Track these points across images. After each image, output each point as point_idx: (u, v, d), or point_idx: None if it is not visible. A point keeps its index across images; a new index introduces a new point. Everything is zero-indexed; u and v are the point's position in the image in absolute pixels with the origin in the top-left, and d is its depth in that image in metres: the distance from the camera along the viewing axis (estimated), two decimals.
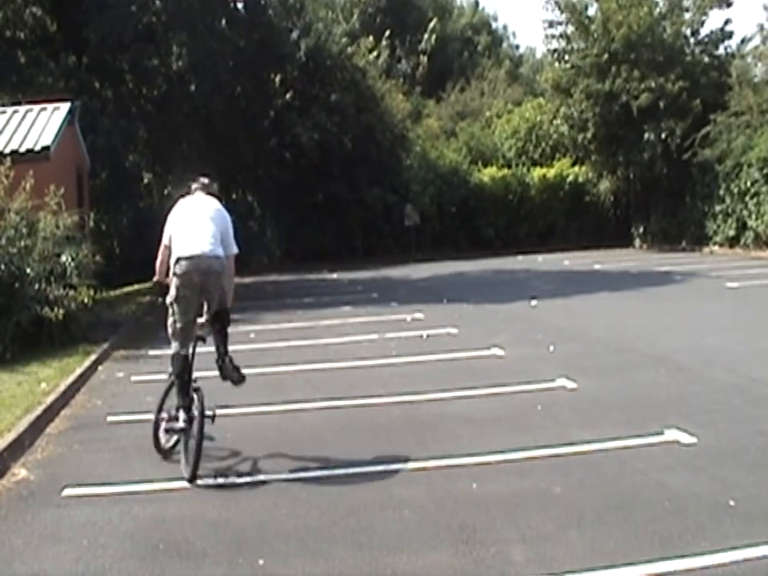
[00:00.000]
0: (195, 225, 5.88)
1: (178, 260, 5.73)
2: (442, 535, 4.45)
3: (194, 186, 6.30)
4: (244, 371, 6.07)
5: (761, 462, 5.31)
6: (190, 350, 5.94)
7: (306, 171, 26.02)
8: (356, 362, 9.50)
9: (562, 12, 26.05)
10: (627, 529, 4.39)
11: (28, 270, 10.72)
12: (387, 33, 35.65)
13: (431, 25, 39.19)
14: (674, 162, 24.44)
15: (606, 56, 24.93)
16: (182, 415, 5.76)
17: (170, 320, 5.89)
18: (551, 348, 9.66)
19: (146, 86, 22.02)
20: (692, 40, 25.68)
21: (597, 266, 20.85)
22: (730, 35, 25.29)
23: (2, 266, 10.45)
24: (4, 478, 5.74)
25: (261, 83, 23.73)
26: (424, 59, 38.22)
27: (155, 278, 6.33)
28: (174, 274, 5.76)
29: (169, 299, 5.87)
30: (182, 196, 6.28)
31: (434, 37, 38.99)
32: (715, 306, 12.94)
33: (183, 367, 5.83)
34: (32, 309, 10.35)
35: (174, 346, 5.90)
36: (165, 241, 6.03)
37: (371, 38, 30.73)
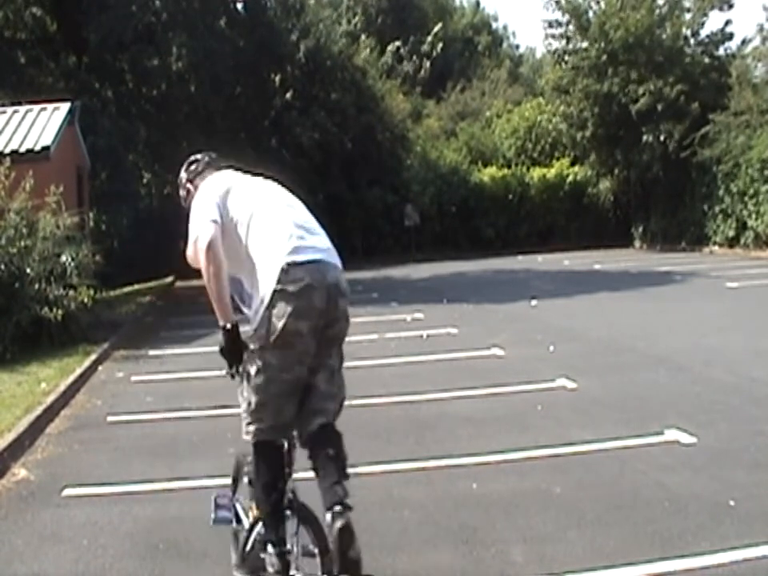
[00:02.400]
0: (292, 212, 3.40)
1: (288, 267, 3.21)
2: (442, 535, 4.44)
3: (209, 160, 3.71)
4: None
5: (761, 461, 5.30)
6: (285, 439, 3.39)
7: (306, 171, 26.01)
8: (356, 361, 9.46)
9: (563, 13, 26.04)
10: (627, 529, 4.38)
11: (28, 270, 10.71)
12: (391, 35, 35.54)
13: (436, 29, 39.06)
14: (673, 162, 24.41)
15: (604, 57, 24.93)
16: (270, 558, 3.29)
17: (250, 383, 3.26)
18: (551, 348, 9.66)
19: (145, 86, 22.06)
20: (692, 41, 25.67)
21: (597, 266, 20.83)
22: (730, 36, 25.23)
23: (2, 266, 10.45)
24: (4, 477, 5.74)
25: (261, 83, 23.75)
26: (426, 62, 38.15)
27: (227, 325, 3.21)
28: (276, 292, 3.19)
29: (255, 343, 3.23)
30: (199, 173, 3.65)
31: (438, 42, 38.84)
32: (715, 306, 12.93)
33: (275, 471, 3.32)
34: (32, 309, 10.34)
35: (254, 428, 3.28)
36: (203, 239, 3.18)
37: (371, 39, 30.68)
